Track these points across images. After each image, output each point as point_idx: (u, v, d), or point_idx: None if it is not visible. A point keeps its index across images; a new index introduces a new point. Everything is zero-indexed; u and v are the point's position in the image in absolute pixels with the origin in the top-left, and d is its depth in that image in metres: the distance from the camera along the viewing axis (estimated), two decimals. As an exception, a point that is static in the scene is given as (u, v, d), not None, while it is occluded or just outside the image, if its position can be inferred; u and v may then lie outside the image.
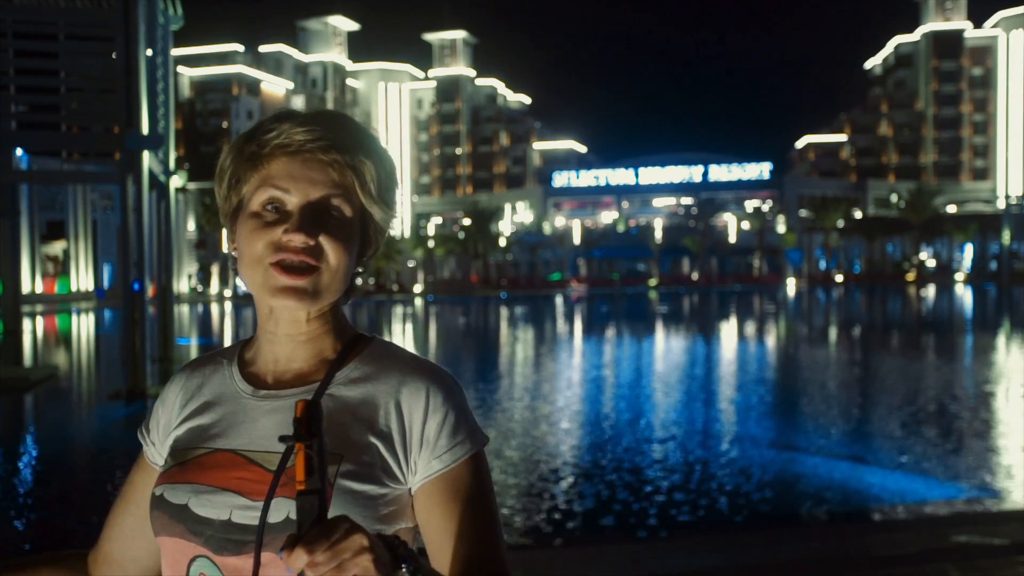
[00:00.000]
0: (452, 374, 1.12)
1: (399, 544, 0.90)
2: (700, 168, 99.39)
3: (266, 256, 1.04)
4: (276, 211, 1.05)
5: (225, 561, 1.00)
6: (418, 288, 76.89)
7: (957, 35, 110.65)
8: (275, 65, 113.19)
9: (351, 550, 0.83)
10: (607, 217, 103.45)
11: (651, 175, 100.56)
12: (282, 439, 0.87)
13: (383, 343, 1.14)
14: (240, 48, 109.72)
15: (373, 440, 1.04)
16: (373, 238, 1.11)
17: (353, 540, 0.83)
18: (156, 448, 1.16)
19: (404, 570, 0.89)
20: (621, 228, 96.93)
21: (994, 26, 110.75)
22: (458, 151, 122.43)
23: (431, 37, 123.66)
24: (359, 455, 1.03)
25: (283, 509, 0.98)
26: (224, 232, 1.08)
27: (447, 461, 1.05)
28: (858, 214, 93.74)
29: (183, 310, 44.09)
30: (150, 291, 16.49)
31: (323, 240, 1.04)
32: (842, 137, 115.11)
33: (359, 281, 1.16)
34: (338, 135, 1.06)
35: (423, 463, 1.05)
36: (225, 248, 1.10)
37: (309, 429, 0.86)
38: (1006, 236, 78.38)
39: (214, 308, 52.64)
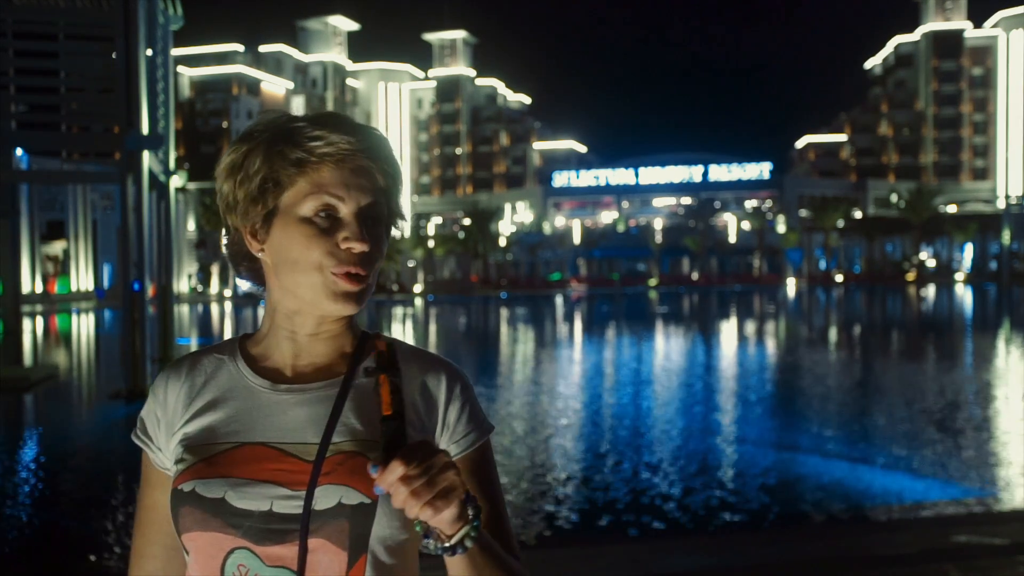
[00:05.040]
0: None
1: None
2: (700, 168, 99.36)
3: (327, 264, 1.06)
4: (328, 218, 1.07)
5: (267, 551, 1.03)
6: (418, 288, 76.83)
7: (957, 35, 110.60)
8: (275, 65, 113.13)
9: (438, 465, 0.93)
10: (607, 217, 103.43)
11: (651, 175, 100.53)
12: (366, 371, 0.99)
13: (391, 339, 1.17)
14: (240, 48, 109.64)
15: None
16: (389, 235, 1.18)
17: (439, 456, 0.93)
18: (163, 453, 1.15)
19: (468, 505, 0.98)
20: (621, 228, 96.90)
21: (994, 26, 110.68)
22: (458, 151, 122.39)
23: (431, 37, 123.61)
24: None
25: (330, 496, 1.03)
26: (223, 232, 1.15)
27: (464, 446, 1.12)
28: (858, 214, 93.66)
29: (183, 310, 44.08)
30: (150, 291, 16.48)
31: (372, 248, 1.09)
32: (842, 137, 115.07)
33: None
34: (374, 143, 1.11)
35: (442, 446, 1.11)
36: (223, 246, 1.20)
37: (390, 362, 0.99)
38: (1006, 236, 78.31)
39: (214, 308, 52.63)
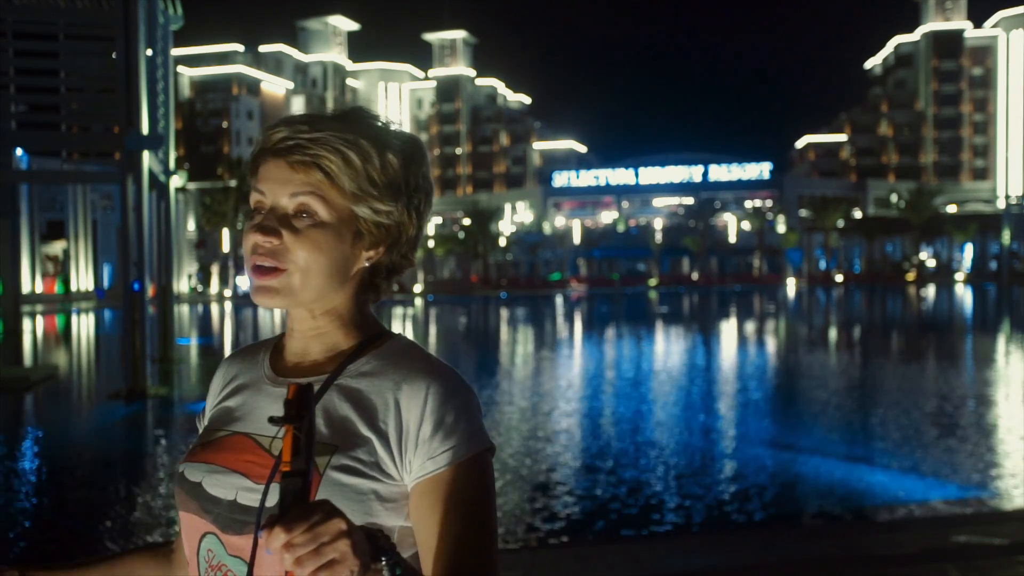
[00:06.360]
0: (461, 376, 1.10)
1: (381, 536, 0.90)
2: (700, 168, 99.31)
3: (249, 258, 1.07)
4: (260, 213, 1.07)
5: (230, 540, 1.04)
6: (418, 288, 76.82)
7: (957, 35, 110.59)
8: (275, 65, 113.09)
9: (329, 533, 0.82)
10: (607, 217, 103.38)
11: (651, 175, 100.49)
12: (271, 420, 0.87)
13: (404, 341, 1.13)
14: (240, 48, 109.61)
15: (370, 435, 1.04)
16: (369, 233, 1.09)
17: (332, 524, 0.83)
18: None
19: (384, 563, 0.88)
20: (621, 228, 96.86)
21: (994, 26, 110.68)
22: (458, 151, 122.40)
23: (431, 37, 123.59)
24: (353, 449, 1.03)
25: (276, 494, 0.95)
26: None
27: (440, 463, 1.03)
28: (858, 214, 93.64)
29: (183, 310, 44.06)
30: (150, 291, 16.49)
31: (289, 240, 1.04)
32: (842, 137, 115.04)
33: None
34: (310, 134, 1.05)
35: (417, 463, 1.04)
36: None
37: (299, 411, 0.85)
38: (1006, 236, 78.36)
39: (214, 308, 52.63)
